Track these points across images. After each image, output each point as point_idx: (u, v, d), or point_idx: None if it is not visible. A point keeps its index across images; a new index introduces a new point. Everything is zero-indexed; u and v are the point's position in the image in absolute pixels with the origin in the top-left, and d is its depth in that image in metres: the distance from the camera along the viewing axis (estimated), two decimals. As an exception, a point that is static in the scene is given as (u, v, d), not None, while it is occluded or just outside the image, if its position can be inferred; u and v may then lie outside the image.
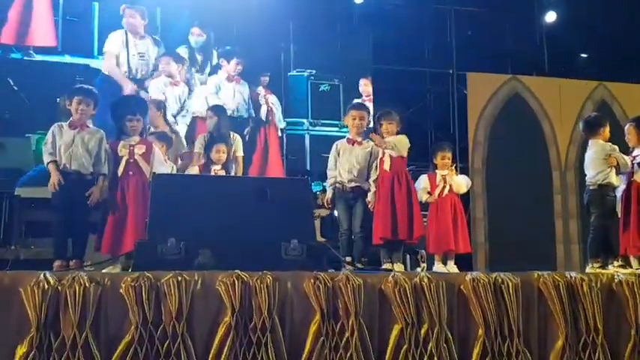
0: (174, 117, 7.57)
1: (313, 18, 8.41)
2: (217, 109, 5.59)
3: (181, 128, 7.59)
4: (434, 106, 8.95)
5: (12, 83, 7.46)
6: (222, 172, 4.88)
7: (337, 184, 4.46)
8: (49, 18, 7.62)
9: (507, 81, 7.86)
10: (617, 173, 4.65)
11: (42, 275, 2.62)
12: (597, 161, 4.66)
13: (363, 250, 4.39)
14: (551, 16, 8.65)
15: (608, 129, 4.72)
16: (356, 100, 7.84)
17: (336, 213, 4.75)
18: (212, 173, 4.81)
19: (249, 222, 2.99)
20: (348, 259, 4.20)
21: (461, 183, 5.08)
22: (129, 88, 7.38)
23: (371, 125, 5.01)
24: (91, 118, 4.07)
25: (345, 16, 8.60)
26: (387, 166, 4.37)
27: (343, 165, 4.46)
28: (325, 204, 4.58)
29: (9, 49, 7.51)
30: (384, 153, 4.43)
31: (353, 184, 4.43)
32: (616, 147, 4.69)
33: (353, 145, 4.49)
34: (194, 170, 5.10)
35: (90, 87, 4.17)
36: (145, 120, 4.24)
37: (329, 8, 8.36)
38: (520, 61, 8.40)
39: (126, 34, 7.54)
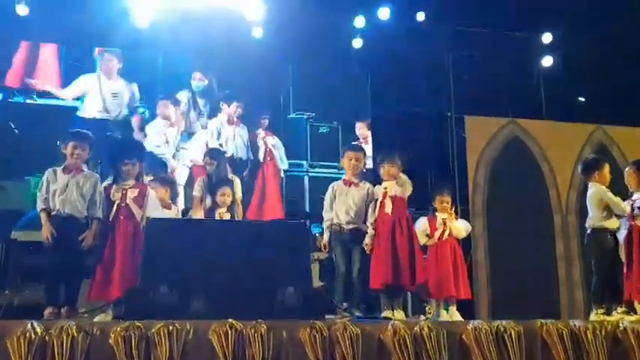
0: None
1: (312, 61, 8.52)
2: (216, 154, 5.59)
3: (181, 173, 7.69)
4: (433, 148, 8.96)
5: (13, 126, 7.54)
6: (228, 215, 4.87)
7: (334, 226, 4.38)
8: (54, 63, 7.80)
9: (506, 124, 7.88)
10: (617, 216, 4.60)
11: (29, 325, 2.54)
12: (591, 205, 4.63)
13: (361, 296, 4.28)
14: (548, 60, 8.74)
15: (605, 171, 4.68)
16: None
17: (333, 256, 4.65)
18: (217, 216, 4.79)
19: (244, 267, 2.93)
20: (346, 305, 4.09)
21: (461, 228, 5.05)
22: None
23: (367, 166, 4.95)
24: (85, 162, 4.05)
25: (343, 59, 8.70)
26: (388, 208, 4.30)
27: (340, 206, 4.39)
28: (322, 247, 4.47)
29: (12, 92, 7.63)
30: (385, 195, 4.37)
31: (351, 226, 4.36)
32: (606, 190, 4.64)
33: (349, 186, 4.44)
34: (199, 214, 5.07)
35: (85, 131, 4.16)
36: (142, 164, 4.18)
37: (328, 51, 8.47)
38: (518, 105, 8.43)
39: (99, 76, 7.76)
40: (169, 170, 7.70)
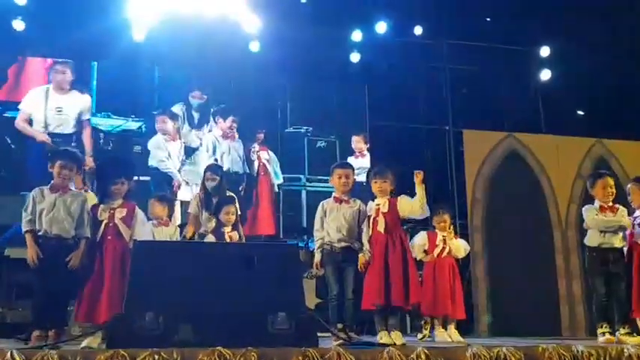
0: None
1: (310, 75, 8.49)
2: (217, 169, 5.44)
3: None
4: (431, 163, 8.89)
5: (9, 141, 7.49)
6: (234, 234, 4.81)
7: (326, 245, 4.24)
8: (44, 77, 7.72)
9: (504, 139, 7.81)
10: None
11: (9, 354, 2.44)
12: (586, 222, 4.57)
13: (355, 317, 4.17)
14: (546, 74, 8.71)
15: (598, 186, 4.56)
16: (349, 158, 7.85)
17: (325, 276, 4.51)
18: (227, 237, 4.73)
19: (234, 292, 2.82)
20: (340, 325, 3.97)
21: (460, 247, 5.02)
22: (40, 137, 7.42)
23: (357, 179, 4.83)
24: (83, 182, 3.98)
25: (341, 73, 8.68)
26: (380, 227, 4.19)
27: (331, 224, 4.25)
28: (315, 267, 4.35)
29: (7, 106, 7.58)
30: (377, 213, 4.26)
31: (343, 244, 4.21)
32: (588, 207, 4.56)
33: (340, 203, 4.34)
34: (191, 231, 5.00)
35: (73, 151, 4.09)
36: (131, 183, 4.09)
37: (325, 66, 8.44)
38: (516, 119, 8.40)
39: (47, 90, 7.62)
40: (175, 184, 7.71)
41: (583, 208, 4.59)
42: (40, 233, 3.80)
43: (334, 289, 4.09)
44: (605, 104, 8.32)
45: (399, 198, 4.34)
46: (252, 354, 2.53)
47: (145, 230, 3.96)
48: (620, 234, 4.48)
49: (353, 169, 4.48)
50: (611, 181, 4.53)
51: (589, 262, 4.57)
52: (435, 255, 5.02)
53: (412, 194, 4.32)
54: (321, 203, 4.43)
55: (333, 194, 4.43)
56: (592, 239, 4.50)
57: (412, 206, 4.25)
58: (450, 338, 4.85)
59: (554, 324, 7.17)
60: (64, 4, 7.36)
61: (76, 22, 7.30)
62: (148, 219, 4.56)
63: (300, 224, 8.13)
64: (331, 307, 4.11)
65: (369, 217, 4.26)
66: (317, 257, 4.26)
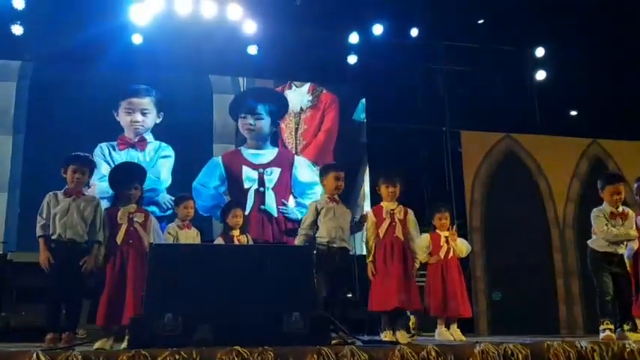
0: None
1: (307, 77, 8.53)
2: None
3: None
4: (429, 164, 8.97)
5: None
6: (243, 237, 4.79)
7: (321, 246, 4.23)
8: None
9: (501, 139, 7.90)
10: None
11: (34, 355, 2.50)
12: (594, 228, 4.57)
13: (354, 318, 4.22)
14: (541, 74, 8.79)
15: (607, 192, 4.45)
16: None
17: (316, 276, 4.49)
18: (236, 240, 4.71)
19: (249, 293, 2.89)
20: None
21: (462, 247, 5.05)
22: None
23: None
24: (86, 186, 4.02)
25: (338, 74, 8.73)
26: (399, 232, 4.25)
27: (328, 224, 4.24)
28: None
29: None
30: (392, 218, 4.28)
31: (340, 244, 4.23)
32: (594, 210, 4.58)
33: (337, 204, 4.39)
34: (218, 240, 4.93)
35: (85, 155, 4.12)
36: (143, 188, 4.15)
37: (322, 67, 8.50)
38: (513, 120, 8.48)
39: None
40: None
41: (593, 212, 4.48)
42: (53, 237, 3.85)
43: (323, 291, 4.06)
44: (601, 104, 8.41)
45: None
46: (268, 353, 2.60)
47: (158, 236, 4.02)
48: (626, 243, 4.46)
49: (345, 172, 4.52)
50: (621, 188, 4.43)
51: (592, 260, 4.51)
52: (442, 256, 4.98)
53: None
54: (313, 203, 4.42)
55: (325, 196, 4.45)
56: (597, 244, 4.46)
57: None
58: (453, 337, 4.91)
59: (552, 322, 7.27)
60: (61, 9, 7.38)
61: (73, 25, 7.32)
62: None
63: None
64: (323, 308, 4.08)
65: (374, 221, 4.31)
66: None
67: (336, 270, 4.20)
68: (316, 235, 4.31)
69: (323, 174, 4.48)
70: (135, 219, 3.91)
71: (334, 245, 4.23)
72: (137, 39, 7.77)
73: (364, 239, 4.50)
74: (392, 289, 4.05)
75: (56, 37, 7.44)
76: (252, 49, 8.21)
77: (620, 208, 4.43)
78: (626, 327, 4.36)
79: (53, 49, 7.56)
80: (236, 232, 4.79)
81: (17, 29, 7.58)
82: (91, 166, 4.05)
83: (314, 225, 4.32)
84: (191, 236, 4.81)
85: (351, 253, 4.56)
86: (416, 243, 4.41)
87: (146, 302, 2.83)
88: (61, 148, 4.25)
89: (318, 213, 4.32)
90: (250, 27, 7.92)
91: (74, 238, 3.84)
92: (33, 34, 7.63)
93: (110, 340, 3.70)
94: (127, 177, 4.03)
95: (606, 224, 4.37)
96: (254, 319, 2.82)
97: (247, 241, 4.84)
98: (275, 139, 8.13)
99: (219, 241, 4.75)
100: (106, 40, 7.48)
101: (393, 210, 4.31)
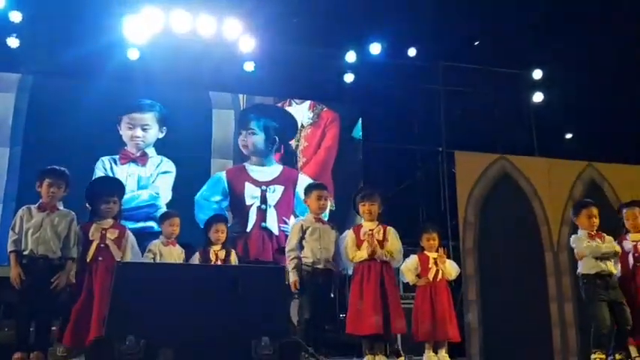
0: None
1: (305, 94, 8.51)
2: None
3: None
4: (424, 183, 8.90)
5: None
6: (222, 253, 4.68)
7: (305, 267, 4.16)
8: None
9: (496, 160, 7.81)
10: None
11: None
12: (577, 252, 4.52)
13: (334, 341, 4.12)
14: (538, 97, 8.75)
15: (583, 216, 4.52)
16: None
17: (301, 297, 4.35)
18: (212, 255, 4.61)
19: (217, 316, 2.79)
20: (311, 350, 3.87)
21: (451, 270, 4.93)
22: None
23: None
24: (61, 200, 3.94)
25: (336, 93, 8.71)
26: (364, 251, 4.17)
27: (313, 245, 4.18)
28: (292, 287, 4.18)
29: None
30: (372, 239, 4.20)
31: (323, 266, 4.14)
32: (574, 236, 4.56)
33: (322, 224, 4.30)
34: (195, 256, 4.79)
35: (62, 169, 4.04)
36: (121, 204, 4.07)
37: (320, 85, 8.48)
38: (508, 141, 8.42)
39: None
40: None
41: (571, 238, 4.52)
42: (25, 253, 3.76)
43: (306, 313, 3.98)
44: (597, 127, 8.36)
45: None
46: (233, 379, 2.50)
47: (134, 254, 3.92)
48: (613, 260, 4.42)
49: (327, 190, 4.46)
50: (595, 211, 4.49)
51: (587, 289, 4.40)
52: (431, 278, 4.82)
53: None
54: (298, 222, 4.36)
55: (310, 215, 4.37)
56: (587, 267, 4.38)
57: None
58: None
59: (545, 347, 7.11)
60: (58, 23, 7.40)
61: (71, 40, 7.33)
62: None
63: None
64: (299, 333, 3.99)
65: (355, 240, 4.22)
66: (292, 277, 4.15)
67: (319, 292, 4.10)
68: (300, 256, 4.22)
69: (306, 193, 4.42)
70: (107, 235, 3.82)
71: (319, 267, 4.16)
72: (136, 55, 7.76)
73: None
74: (366, 312, 3.94)
75: (53, 51, 7.45)
76: (250, 66, 8.21)
77: (595, 232, 4.44)
78: (618, 357, 4.24)
79: (50, 62, 7.58)
80: (216, 247, 4.68)
81: (13, 42, 7.59)
82: (67, 180, 3.98)
83: (300, 245, 4.24)
84: (175, 253, 4.71)
85: (343, 273, 4.47)
86: (396, 260, 4.30)
87: (108, 323, 2.73)
88: (59, 162, 4.21)
89: (303, 232, 4.24)
90: (249, 44, 7.93)
91: (47, 254, 3.76)
92: (29, 48, 7.64)
93: (82, 360, 3.60)
94: (104, 191, 3.96)
95: (588, 242, 4.37)
96: (221, 344, 2.71)
97: (229, 256, 4.72)
98: (285, 157, 8.10)
99: (196, 257, 4.64)
100: (105, 56, 7.51)
101: (372, 230, 4.22)
